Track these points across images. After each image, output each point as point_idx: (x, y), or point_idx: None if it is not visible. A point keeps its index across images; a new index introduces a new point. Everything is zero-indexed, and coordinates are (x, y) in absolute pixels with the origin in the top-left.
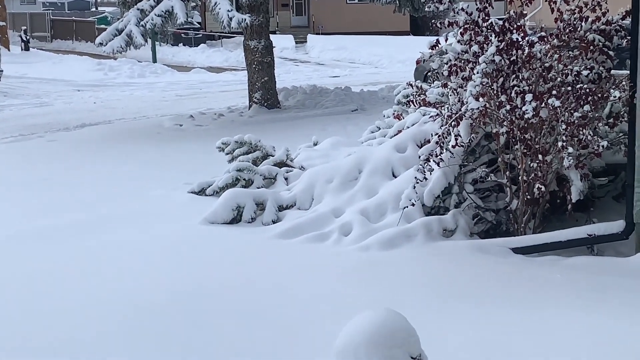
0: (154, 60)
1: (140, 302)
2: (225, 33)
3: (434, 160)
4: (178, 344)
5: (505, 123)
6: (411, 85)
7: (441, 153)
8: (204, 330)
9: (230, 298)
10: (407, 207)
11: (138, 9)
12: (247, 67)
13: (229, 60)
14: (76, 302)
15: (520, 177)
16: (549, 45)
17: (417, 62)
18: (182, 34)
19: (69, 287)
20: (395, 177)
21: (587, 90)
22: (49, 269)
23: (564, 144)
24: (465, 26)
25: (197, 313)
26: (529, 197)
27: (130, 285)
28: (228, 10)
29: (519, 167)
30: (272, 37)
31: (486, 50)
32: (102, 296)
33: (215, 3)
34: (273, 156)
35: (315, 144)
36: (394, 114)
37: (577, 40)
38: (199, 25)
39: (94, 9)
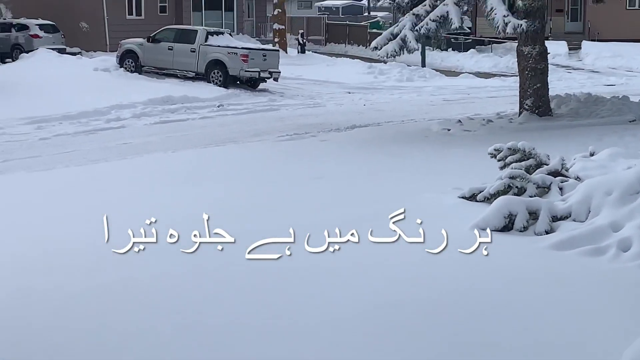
0: (423, 65)
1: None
2: (496, 38)
3: None
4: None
5: None
6: None
7: None
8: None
9: (492, 300)
10: None
11: (413, 14)
12: (519, 73)
13: (498, 65)
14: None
15: None
16: None
17: None
18: (452, 39)
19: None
20: None
21: None
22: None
23: None
24: None
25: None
26: None
27: (396, 289)
28: (504, 16)
29: None
30: (546, 43)
31: None
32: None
33: (492, 8)
34: (547, 165)
35: (591, 154)
36: None
37: None
38: (469, 30)
39: (366, 14)
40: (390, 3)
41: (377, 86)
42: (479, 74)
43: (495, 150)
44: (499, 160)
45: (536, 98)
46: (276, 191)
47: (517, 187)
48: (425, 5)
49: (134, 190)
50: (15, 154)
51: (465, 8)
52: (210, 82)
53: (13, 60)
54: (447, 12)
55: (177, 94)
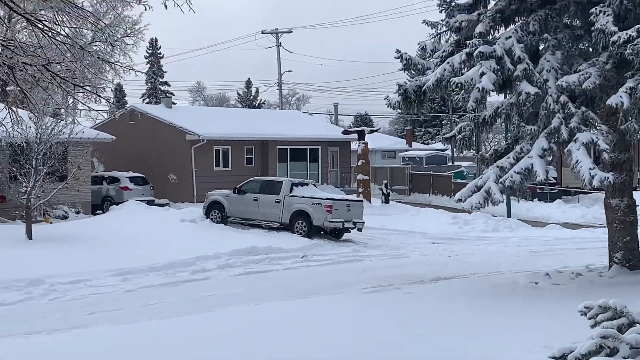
0: (508, 215)
1: None
2: (583, 189)
3: None
4: None
5: None
6: None
7: None
8: None
9: None
10: None
11: (497, 167)
12: (608, 226)
13: (585, 216)
14: None
15: None
16: None
17: None
18: (537, 189)
19: None
20: None
21: None
22: None
23: None
24: None
25: None
26: None
27: None
28: (590, 169)
29: None
30: (634, 194)
31: None
32: None
33: (577, 161)
34: None
35: None
36: None
37: None
38: (555, 181)
39: (450, 164)
40: (474, 155)
41: (462, 236)
42: (566, 225)
43: (585, 308)
44: (589, 319)
45: (626, 251)
46: (360, 348)
47: (609, 347)
48: (509, 157)
49: (219, 347)
50: (100, 306)
51: (550, 159)
52: (295, 233)
53: (103, 212)
54: (532, 164)
55: (262, 244)
